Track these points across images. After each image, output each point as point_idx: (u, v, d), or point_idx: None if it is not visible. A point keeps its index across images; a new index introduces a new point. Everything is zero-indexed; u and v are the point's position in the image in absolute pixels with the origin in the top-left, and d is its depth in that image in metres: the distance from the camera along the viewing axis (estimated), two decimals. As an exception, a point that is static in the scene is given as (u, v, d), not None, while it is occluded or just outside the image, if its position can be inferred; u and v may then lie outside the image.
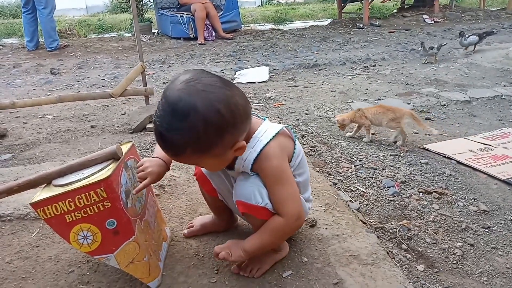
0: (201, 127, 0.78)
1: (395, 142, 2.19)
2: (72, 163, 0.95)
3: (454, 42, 4.92)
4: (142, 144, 2.05)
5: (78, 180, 0.88)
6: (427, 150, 2.10)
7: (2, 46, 5.74)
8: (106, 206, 0.86)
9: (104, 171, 0.89)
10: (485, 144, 2.11)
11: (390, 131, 2.25)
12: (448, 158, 1.99)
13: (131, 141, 1.15)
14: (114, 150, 0.96)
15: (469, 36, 4.07)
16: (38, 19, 5.10)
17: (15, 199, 1.31)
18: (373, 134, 2.26)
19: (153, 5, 6.94)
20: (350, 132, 2.29)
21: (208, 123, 0.78)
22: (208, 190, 1.11)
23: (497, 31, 4.31)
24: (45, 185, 0.93)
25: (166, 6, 6.55)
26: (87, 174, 0.89)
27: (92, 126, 2.42)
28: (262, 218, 0.95)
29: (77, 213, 0.85)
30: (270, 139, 0.91)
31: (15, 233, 1.22)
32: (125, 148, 1.04)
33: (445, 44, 4.16)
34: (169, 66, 4.44)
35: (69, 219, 0.85)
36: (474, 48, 4.16)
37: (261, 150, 0.90)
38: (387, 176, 1.75)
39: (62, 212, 0.85)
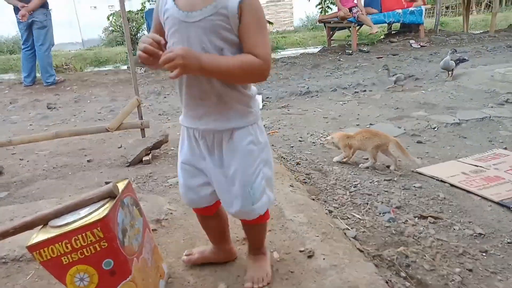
0: None
1: (388, 167, 2.21)
2: (68, 203, 0.96)
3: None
4: (138, 177, 2.06)
5: (75, 221, 0.88)
6: (420, 173, 2.13)
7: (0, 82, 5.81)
8: (103, 246, 0.86)
9: (100, 211, 0.90)
10: (477, 166, 2.14)
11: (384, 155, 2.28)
12: (442, 181, 2.01)
13: (127, 178, 1.16)
14: (110, 188, 0.97)
15: (448, 60, 4.18)
16: (36, 55, 5.20)
17: (10, 240, 1.30)
18: (345, 160, 2.28)
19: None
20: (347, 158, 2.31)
21: None
22: (203, 211, 1.13)
23: (468, 59, 4.46)
24: (41, 226, 0.93)
25: (160, 39, 6.70)
26: (83, 214, 0.90)
27: (88, 161, 2.43)
28: (256, 222, 1.08)
29: (74, 254, 0.85)
30: None
31: (10, 276, 1.21)
32: (121, 185, 1.05)
33: (412, 76, 4.25)
34: (164, 97, 4.51)
35: (65, 261, 0.85)
36: (451, 74, 4.26)
37: None
38: (382, 202, 1.76)
39: (59, 254, 0.85)
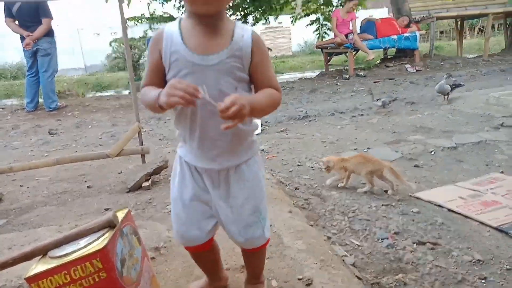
0: None
1: (386, 191, 2.23)
2: (68, 233, 0.97)
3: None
4: (138, 203, 2.07)
5: (74, 251, 0.89)
6: (418, 198, 2.14)
7: (2, 108, 5.88)
8: (102, 277, 0.87)
9: (100, 241, 0.91)
10: (474, 190, 2.15)
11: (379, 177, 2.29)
12: (439, 206, 2.02)
13: (127, 207, 1.17)
14: (110, 218, 0.98)
15: (445, 85, 4.27)
16: (40, 81, 5.29)
17: (8, 270, 1.30)
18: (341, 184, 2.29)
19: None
20: (341, 182, 2.33)
21: None
22: (200, 247, 1.10)
23: (464, 84, 4.56)
24: (40, 256, 0.94)
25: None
26: (83, 244, 0.91)
27: (88, 187, 2.44)
28: (260, 248, 1.10)
29: (73, 285, 0.86)
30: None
31: (8, 306, 1.20)
32: (121, 215, 1.07)
33: (395, 99, 4.35)
34: (165, 122, 4.56)
35: (64, 292, 0.86)
36: (447, 98, 4.34)
37: (252, 32, 0.95)
38: (381, 228, 1.77)
39: (57, 285, 0.86)
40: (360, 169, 2.20)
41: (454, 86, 4.26)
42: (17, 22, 5.06)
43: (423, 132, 3.36)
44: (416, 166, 2.65)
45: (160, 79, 0.97)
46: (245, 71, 0.95)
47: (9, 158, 3.25)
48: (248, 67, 0.95)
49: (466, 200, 2.06)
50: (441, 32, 21.51)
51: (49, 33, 5.16)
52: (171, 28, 0.95)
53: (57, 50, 5.37)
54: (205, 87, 0.87)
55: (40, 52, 5.13)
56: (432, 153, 2.86)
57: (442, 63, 7.42)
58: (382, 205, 2.03)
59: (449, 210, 1.97)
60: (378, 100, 4.13)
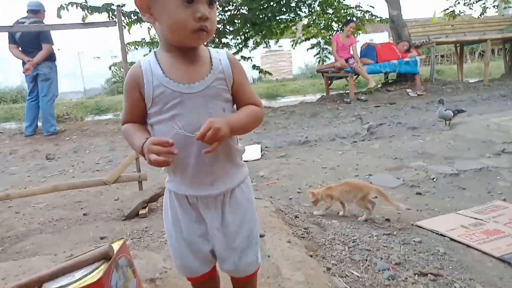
0: None
1: (387, 220, 2.19)
2: (63, 265, 0.96)
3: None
4: (134, 232, 2.04)
5: (68, 284, 0.88)
6: (420, 227, 2.10)
7: (1, 132, 5.92)
8: (96, 310, 0.85)
9: (95, 273, 0.90)
10: (477, 219, 2.11)
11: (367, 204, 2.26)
12: (441, 235, 1.98)
13: (123, 238, 1.16)
14: (106, 250, 0.97)
15: (446, 110, 4.29)
16: (40, 105, 5.35)
17: (-2, 302, 1.27)
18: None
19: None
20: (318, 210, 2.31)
21: None
22: (204, 277, 1.09)
23: (466, 110, 4.60)
24: (35, 288, 0.92)
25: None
26: (78, 276, 0.90)
27: (84, 214, 2.42)
28: (252, 276, 1.09)
29: (65, 319, 0.84)
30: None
31: None
32: (116, 246, 1.05)
33: (380, 124, 4.41)
34: (164, 146, 4.56)
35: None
36: (449, 123, 4.36)
37: (227, 54, 1.00)
38: (382, 258, 1.72)
39: (50, 319, 0.83)
40: (348, 197, 2.18)
41: (456, 112, 4.27)
42: (20, 48, 5.18)
43: (424, 158, 3.34)
44: (418, 193, 2.62)
45: (140, 115, 0.98)
46: (229, 92, 0.99)
47: (6, 184, 3.25)
48: (231, 87, 0.99)
49: (468, 229, 2.02)
50: (442, 56, 21.81)
51: (50, 58, 5.26)
52: (148, 63, 0.95)
53: (59, 73, 5.46)
54: (180, 122, 0.91)
55: (40, 76, 5.22)
56: (434, 180, 2.83)
57: (444, 87, 7.47)
58: (384, 234, 1.99)
59: (451, 239, 1.93)
60: (366, 123, 4.16)
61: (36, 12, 5.25)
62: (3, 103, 12.75)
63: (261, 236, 1.77)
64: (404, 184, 2.78)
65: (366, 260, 1.72)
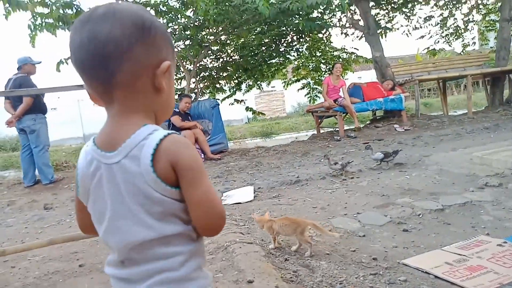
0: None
1: (374, 259, 2.26)
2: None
3: (424, 149, 5.33)
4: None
5: None
6: (405, 265, 2.16)
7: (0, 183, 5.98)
8: None
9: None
10: (460, 255, 2.19)
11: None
12: (426, 272, 2.05)
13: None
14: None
15: (376, 152, 4.63)
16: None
17: None
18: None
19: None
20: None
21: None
22: None
23: (401, 150, 4.93)
24: None
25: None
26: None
27: (80, 265, 2.46)
28: None
29: None
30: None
31: None
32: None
33: (351, 161, 4.62)
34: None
35: None
36: (386, 163, 4.61)
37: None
38: (367, 299, 1.78)
39: None
40: (286, 230, 2.35)
41: (393, 153, 4.59)
42: (12, 103, 5.39)
43: (411, 194, 3.44)
44: (404, 230, 2.70)
45: None
46: None
47: (3, 237, 3.28)
48: None
49: (452, 265, 2.09)
50: (429, 90, 22.50)
51: (33, 110, 5.35)
52: None
53: (57, 122, 5.60)
54: None
55: (26, 129, 5.37)
56: (420, 216, 2.91)
57: (429, 122, 7.72)
58: (370, 274, 2.06)
59: (436, 276, 2.00)
60: (335, 163, 4.37)
61: (20, 68, 5.48)
62: (3, 151, 12.87)
63: (250, 282, 1.83)
64: (391, 221, 2.86)
65: (353, 301, 1.78)
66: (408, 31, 11.31)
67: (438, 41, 11.42)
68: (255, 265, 2.00)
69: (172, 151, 0.75)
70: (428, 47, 11.67)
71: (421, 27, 11.28)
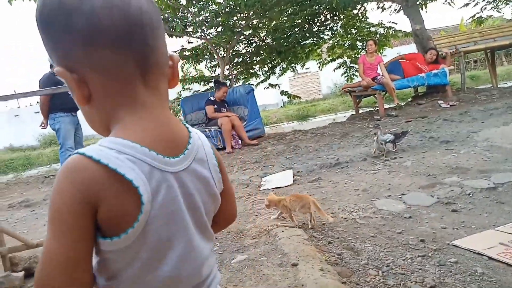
0: None
1: (422, 241, 2.18)
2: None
3: (472, 125, 5.03)
4: None
5: None
6: (456, 246, 2.08)
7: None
8: None
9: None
10: (517, 235, 2.07)
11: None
12: (479, 254, 1.96)
13: None
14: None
15: (385, 134, 4.35)
16: None
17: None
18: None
19: (184, 122, 7.72)
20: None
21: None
22: None
23: (410, 131, 4.65)
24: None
25: (196, 123, 7.25)
26: None
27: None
28: None
29: None
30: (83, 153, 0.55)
31: None
32: None
33: (407, 131, 4.41)
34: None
35: None
36: (394, 147, 4.36)
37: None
38: (416, 282, 1.74)
39: None
40: (294, 205, 2.55)
41: (401, 134, 4.34)
42: None
43: (459, 173, 3.27)
44: (453, 210, 2.58)
45: None
46: None
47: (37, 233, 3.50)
48: None
49: (508, 246, 1.97)
50: (475, 62, 21.12)
51: (53, 109, 5.41)
52: None
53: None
54: None
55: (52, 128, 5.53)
56: (470, 195, 2.77)
57: (477, 95, 7.25)
58: (418, 256, 2.00)
59: (490, 258, 1.90)
60: (384, 142, 4.23)
61: (52, 66, 5.69)
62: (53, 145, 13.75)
63: (295, 265, 1.84)
64: (439, 201, 2.75)
65: (400, 284, 1.74)
66: (451, -1, 10.57)
67: (485, 8, 10.58)
68: (298, 249, 2.01)
69: (212, 147, 0.74)
70: (474, 15, 10.86)
71: (465, -6, 10.51)
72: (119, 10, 0.56)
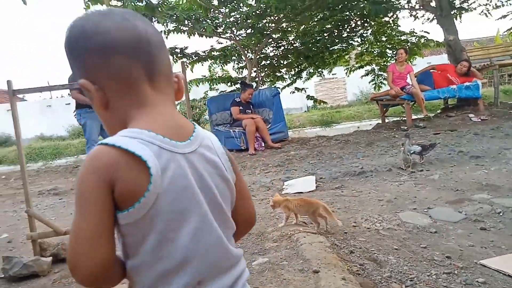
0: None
1: (448, 257, 2.13)
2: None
3: (504, 141, 4.86)
4: None
5: None
6: (484, 266, 2.01)
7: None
8: None
9: None
10: (550, 259, 1.98)
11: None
12: (510, 276, 1.89)
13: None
14: None
15: (412, 145, 4.22)
16: None
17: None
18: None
19: (209, 122, 7.82)
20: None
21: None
22: None
23: (439, 143, 4.50)
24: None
25: (221, 123, 7.32)
26: None
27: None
28: None
29: None
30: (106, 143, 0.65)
31: None
32: None
33: (437, 143, 4.28)
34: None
35: None
36: (421, 159, 4.24)
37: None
38: (441, 299, 1.70)
39: None
40: (301, 210, 2.52)
41: (429, 146, 4.21)
42: None
43: (489, 190, 3.17)
44: (482, 228, 2.50)
45: None
46: None
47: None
48: None
49: (540, 270, 1.90)
50: (510, 76, 20.34)
51: (78, 105, 5.44)
52: None
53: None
54: None
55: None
56: (501, 214, 2.68)
57: (511, 111, 6.99)
58: (443, 272, 1.95)
59: (521, 281, 1.83)
60: (413, 153, 4.11)
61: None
62: (81, 137, 14.19)
63: (316, 272, 1.83)
64: (467, 218, 2.67)
65: (425, 300, 1.70)
66: (488, 10, 10.24)
67: (523, 20, 10.17)
68: (320, 256, 2.00)
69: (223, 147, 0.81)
70: (511, 28, 10.49)
71: (503, 5, 10.15)
72: (128, 29, 0.70)
